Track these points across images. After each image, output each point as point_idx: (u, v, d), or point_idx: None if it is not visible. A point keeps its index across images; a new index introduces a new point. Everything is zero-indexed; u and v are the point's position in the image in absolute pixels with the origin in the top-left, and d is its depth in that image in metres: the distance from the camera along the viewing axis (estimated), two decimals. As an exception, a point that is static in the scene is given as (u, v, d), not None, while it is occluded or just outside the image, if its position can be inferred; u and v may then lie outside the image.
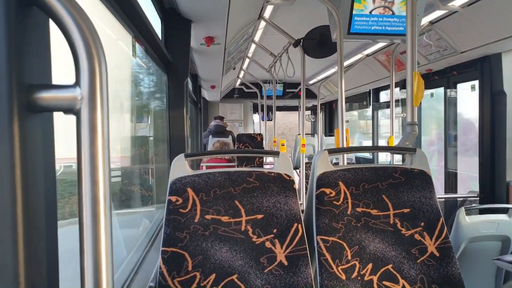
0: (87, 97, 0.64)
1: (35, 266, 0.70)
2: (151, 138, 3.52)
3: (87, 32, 0.64)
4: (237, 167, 6.78)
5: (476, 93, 5.00)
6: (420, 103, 2.74)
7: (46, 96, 0.67)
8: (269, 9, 4.42)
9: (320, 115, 12.64)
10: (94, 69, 0.65)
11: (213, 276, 1.74)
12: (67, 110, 0.65)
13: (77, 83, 0.65)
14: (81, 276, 0.66)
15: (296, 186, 1.97)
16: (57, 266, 0.80)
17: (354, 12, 3.43)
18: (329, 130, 12.30)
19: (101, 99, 0.65)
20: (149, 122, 3.53)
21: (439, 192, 5.84)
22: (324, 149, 2.02)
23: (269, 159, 9.00)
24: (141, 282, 1.98)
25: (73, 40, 0.64)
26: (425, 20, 4.47)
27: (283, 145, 8.07)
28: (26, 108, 0.65)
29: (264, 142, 9.24)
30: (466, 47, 4.58)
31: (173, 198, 1.82)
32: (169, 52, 3.21)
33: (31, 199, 0.68)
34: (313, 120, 13.64)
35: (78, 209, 0.66)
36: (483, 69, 4.76)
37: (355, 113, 11.29)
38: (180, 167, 1.87)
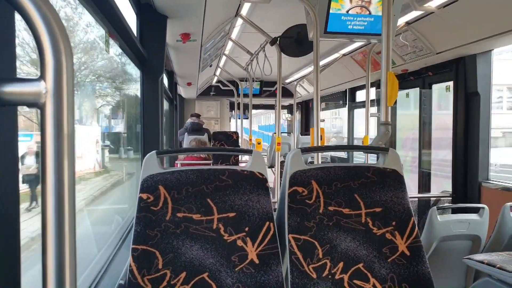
0: (51, 91, 0.63)
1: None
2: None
3: (53, 24, 0.63)
4: (213, 165, 6.77)
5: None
6: (396, 103, 2.76)
7: (9, 89, 0.65)
8: (246, 7, 4.41)
9: (297, 114, 12.68)
10: (60, 63, 0.63)
11: (183, 274, 1.73)
12: (31, 104, 0.64)
13: (42, 76, 0.63)
14: (42, 274, 0.64)
15: (270, 184, 1.97)
16: (19, 265, 0.79)
17: (331, 11, 3.44)
18: (305, 129, 12.33)
19: (66, 93, 0.64)
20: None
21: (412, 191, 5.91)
22: (297, 148, 2.03)
23: (245, 157, 9.00)
24: (111, 280, 1.96)
25: (39, 32, 0.62)
26: (401, 21, 4.51)
27: (259, 144, 8.07)
28: None
29: (240, 140, 9.23)
30: (441, 48, 4.64)
31: (144, 196, 1.80)
32: (144, 48, 3.18)
33: None
34: (289, 119, 13.67)
35: (41, 206, 0.65)
36: (458, 70, 4.83)
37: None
38: (152, 165, 1.86)
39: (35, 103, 0.64)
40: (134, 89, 3.71)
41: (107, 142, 3.35)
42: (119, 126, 3.79)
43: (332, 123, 12.79)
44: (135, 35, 2.99)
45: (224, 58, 7.81)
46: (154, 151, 1.89)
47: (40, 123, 0.64)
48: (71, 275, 0.66)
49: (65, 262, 0.65)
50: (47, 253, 0.64)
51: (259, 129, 28.04)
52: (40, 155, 0.64)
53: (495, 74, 4.66)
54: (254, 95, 9.42)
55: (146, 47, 3.24)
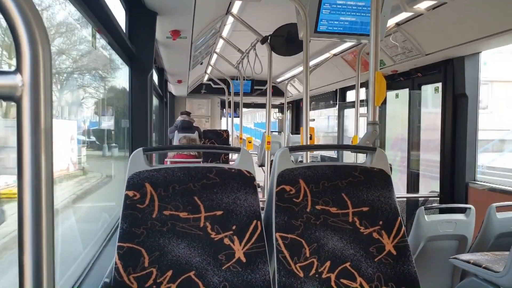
0: (28, 84, 0.62)
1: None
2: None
3: (30, 15, 0.61)
4: (203, 163, 6.75)
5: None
6: (385, 103, 2.77)
7: None
8: (237, 5, 4.40)
9: (288, 113, 12.69)
10: (37, 55, 0.62)
11: (170, 273, 1.72)
12: (7, 97, 0.62)
13: (18, 69, 0.62)
14: (19, 273, 0.63)
15: (261, 183, 1.97)
16: None
17: (321, 11, 3.43)
18: (296, 128, 12.35)
19: (43, 86, 0.63)
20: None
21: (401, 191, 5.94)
22: (285, 147, 2.03)
23: (235, 156, 8.97)
24: (96, 278, 1.94)
25: (15, 23, 0.61)
26: (391, 22, 4.52)
27: (250, 142, 8.07)
28: None
29: (230, 138, 9.21)
30: (430, 49, 4.66)
31: (131, 193, 1.79)
32: (133, 44, 3.16)
33: None
34: (280, 118, 13.69)
35: (17, 203, 0.63)
36: (447, 72, 4.86)
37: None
38: (139, 162, 1.84)
39: (10, 97, 0.62)
40: (120, 79, 3.61)
41: (86, 139, 3.11)
42: (103, 121, 3.63)
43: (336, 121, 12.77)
44: (124, 30, 2.97)
45: (215, 56, 7.79)
46: (141, 148, 1.87)
47: (17, 117, 0.63)
48: (49, 273, 0.65)
49: (42, 260, 0.64)
50: (24, 251, 0.63)
51: (255, 126, 28.04)
52: (17, 150, 0.63)
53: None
54: (245, 94, 9.42)
55: (135, 43, 3.22)
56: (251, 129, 26.71)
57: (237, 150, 2.01)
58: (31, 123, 0.62)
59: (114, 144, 3.91)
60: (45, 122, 0.63)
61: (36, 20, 0.62)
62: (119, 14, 2.91)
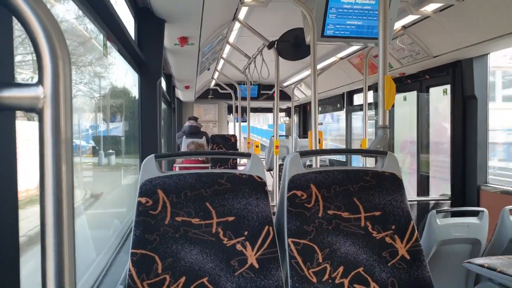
0: (49, 96, 0.63)
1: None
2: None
3: (50, 29, 0.63)
4: (211, 168, 6.76)
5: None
6: (393, 106, 2.76)
7: (7, 94, 0.65)
8: (243, 11, 4.41)
9: (295, 117, 12.69)
10: (57, 68, 0.63)
11: (183, 279, 1.72)
12: (29, 109, 0.64)
13: (40, 81, 0.63)
14: (42, 279, 0.64)
15: (269, 188, 1.97)
16: (18, 266, 0.79)
17: (328, 15, 3.44)
18: (303, 132, 12.34)
19: (64, 98, 0.64)
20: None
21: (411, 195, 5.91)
22: (296, 151, 2.03)
23: (243, 160, 9.00)
24: (110, 285, 1.95)
25: (36, 38, 0.62)
26: (398, 25, 4.52)
27: (258, 147, 8.06)
28: None
29: (238, 143, 9.23)
30: (438, 51, 4.65)
31: (143, 200, 1.80)
32: (142, 51, 3.18)
33: None
34: (287, 122, 13.69)
35: (40, 211, 0.65)
36: (455, 74, 4.84)
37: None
38: (151, 168, 1.85)
39: (33, 108, 0.63)
40: (114, 74, 3.50)
41: (79, 144, 2.55)
42: (98, 124, 3.10)
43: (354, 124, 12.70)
44: (133, 38, 2.99)
45: (222, 61, 7.82)
46: (152, 155, 1.88)
47: (39, 128, 0.64)
48: (70, 280, 0.66)
49: (64, 267, 0.65)
50: (46, 258, 0.64)
51: (269, 127, 27.95)
52: (39, 160, 0.64)
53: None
54: (252, 98, 9.43)
55: (144, 50, 3.24)
56: (266, 130, 26.70)
57: (247, 155, 2.01)
58: (52, 134, 0.63)
59: (110, 151, 3.35)
60: (66, 133, 0.64)
61: (57, 35, 0.63)
62: (128, 22, 2.93)
